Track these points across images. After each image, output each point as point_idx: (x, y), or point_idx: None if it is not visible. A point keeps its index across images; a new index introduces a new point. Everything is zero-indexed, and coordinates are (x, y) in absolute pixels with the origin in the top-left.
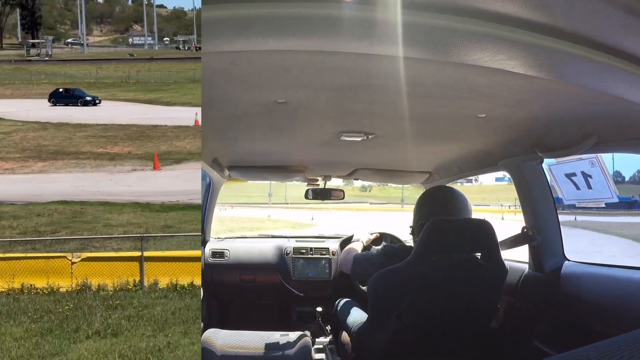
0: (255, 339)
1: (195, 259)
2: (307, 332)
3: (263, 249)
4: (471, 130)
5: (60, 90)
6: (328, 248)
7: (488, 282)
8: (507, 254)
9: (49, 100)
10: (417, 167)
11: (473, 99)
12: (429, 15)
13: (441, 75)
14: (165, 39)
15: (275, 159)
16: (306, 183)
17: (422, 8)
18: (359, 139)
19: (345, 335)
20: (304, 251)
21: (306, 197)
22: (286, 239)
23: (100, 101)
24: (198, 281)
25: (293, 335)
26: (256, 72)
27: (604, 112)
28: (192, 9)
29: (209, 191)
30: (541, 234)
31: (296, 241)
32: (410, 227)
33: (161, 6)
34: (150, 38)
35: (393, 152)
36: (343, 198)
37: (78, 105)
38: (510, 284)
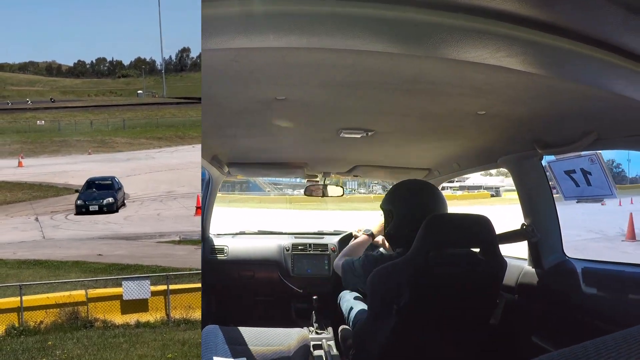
0: (254, 335)
1: None
2: (306, 329)
3: (262, 245)
4: (471, 127)
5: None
6: (327, 244)
7: (487, 277)
8: (505, 251)
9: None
10: (416, 164)
11: (473, 95)
12: (428, 12)
13: (441, 72)
14: None
15: (274, 156)
16: (305, 180)
17: (422, 5)
18: (359, 136)
19: (344, 331)
20: (302, 247)
21: (305, 193)
22: (285, 235)
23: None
24: None
25: (292, 332)
26: (256, 69)
27: (603, 109)
28: None
29: (209, 188)
30: (540, 231)
31: (295, 237)
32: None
33: None
34: None
35: (393, 149)
36: (342, 195)
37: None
38: (509, 280)
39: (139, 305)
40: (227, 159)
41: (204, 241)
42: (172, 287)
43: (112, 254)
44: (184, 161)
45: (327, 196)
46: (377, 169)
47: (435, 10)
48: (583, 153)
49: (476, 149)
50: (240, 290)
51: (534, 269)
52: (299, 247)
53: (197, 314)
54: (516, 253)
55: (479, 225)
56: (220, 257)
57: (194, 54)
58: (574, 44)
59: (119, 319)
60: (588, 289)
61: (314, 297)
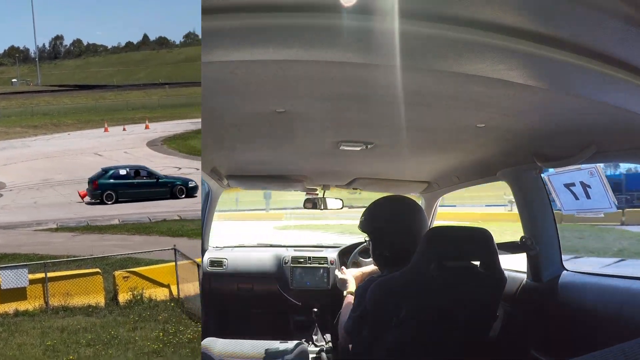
0: (253, 348)
1: None
2: (305, 342)
3: (261, 258)
4: (470, 140)
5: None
6: (326, 257)
7: (486, 290)
8: (505, 264)
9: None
10: (416, 177)
11: (472, 108)
12: (428, 25)
13: (440, 85)
14: None
15: (274, 168)
16: (305, 192)
17: (422, 18)
18: (358, 149)
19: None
20: (302, 260)
21: (304, 206)
22: (284, 248)
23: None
24: None
25: (291, 344)
26: (256, 81)
27: (603, 122)
28: None
29: (208, 200)
30: (539, 244)
31: (294, 250)
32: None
33: None
34: None
35: (392, 162)
36: (342, 208)
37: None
38: (508, 293)
39: (17, 294)
40: (227, 172)
41: (204, 254)
42: (50, 274)
43: None
44: (60, 149)
45: (326, 209)
46: (376, 181)
47: (434, 23)
48: (582, 166)
49: (475, 162)
50: (240, 302)
51: (533, 282)
52: (299, 260)
53: (75, 301)
54: (515, 266)
55: (479, 238)
56: (219, 269)
57: (67, 41)
58: (573, 57)
59: None
60: (587, 301)
61: (314, 310)
